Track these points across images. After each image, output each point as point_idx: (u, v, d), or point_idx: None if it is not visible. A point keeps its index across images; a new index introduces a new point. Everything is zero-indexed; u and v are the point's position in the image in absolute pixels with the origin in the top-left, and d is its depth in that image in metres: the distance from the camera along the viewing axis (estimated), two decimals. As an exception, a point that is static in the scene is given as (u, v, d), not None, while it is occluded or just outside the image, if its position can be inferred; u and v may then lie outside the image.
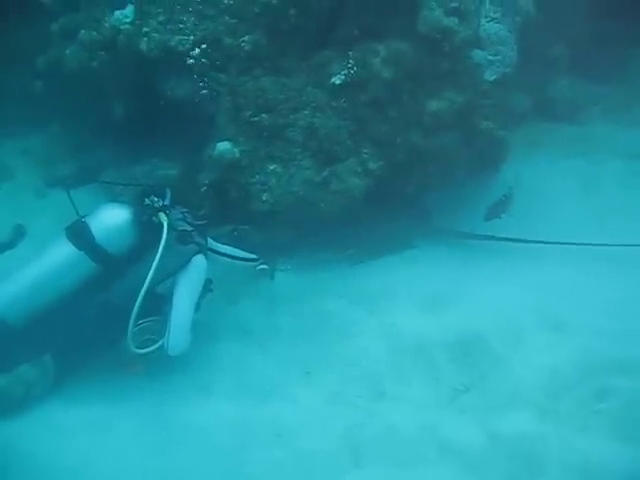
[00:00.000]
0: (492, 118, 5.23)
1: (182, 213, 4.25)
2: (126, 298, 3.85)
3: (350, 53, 4.92)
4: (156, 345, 4.00)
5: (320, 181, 5.00)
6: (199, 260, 4.16)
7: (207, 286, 4.44)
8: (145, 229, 3.93)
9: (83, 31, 5.38)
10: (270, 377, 4.34)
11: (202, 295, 4.35)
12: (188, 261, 4.09)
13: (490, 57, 5.16)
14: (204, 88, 5.06)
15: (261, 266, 4.97)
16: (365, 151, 5.04)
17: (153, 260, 3.82)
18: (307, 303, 4.95)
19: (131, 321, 3.80)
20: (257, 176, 5.01)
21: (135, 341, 3.91)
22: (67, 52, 5.46)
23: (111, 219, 3.90)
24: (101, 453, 3.76)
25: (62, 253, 3.84)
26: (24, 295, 3.80)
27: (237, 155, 4.97)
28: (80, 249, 3.82)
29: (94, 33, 5.34)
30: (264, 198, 5.00)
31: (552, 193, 6.14)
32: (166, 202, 4.08)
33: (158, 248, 3.84)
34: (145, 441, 3.83)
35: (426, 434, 3.87)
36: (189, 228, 4.17)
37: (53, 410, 3.95)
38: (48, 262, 3.85)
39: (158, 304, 4.06)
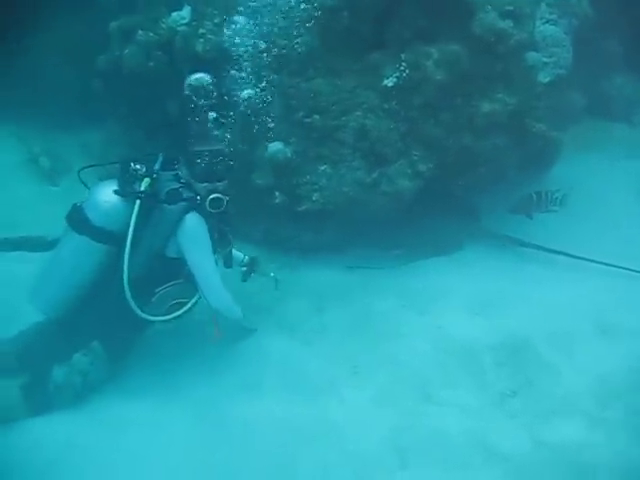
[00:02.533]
0: (545, 120, 5.19)
1: (175, 174, 4.07)
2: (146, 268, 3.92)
3: (402, 55, 4.96)
4: (186, 307, 4.03)
5: (370, 182, 5.04)
6: (191, 218, 3.92)
7: (252, 265, 4.58)
8: (133, 198, 3.86)
9: (141, 31, 5.51)
10: (318, 375, 4.37)
11: (247, 273, 4.51)
12: (181, 219, 3.91)
13: (545, 59, 5.13)
14: (257, 89, 5.12)
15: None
16: (415, 153, 5.06)
17: (155, 225, 3.85)
18: (355, 302, 5.00)
19: (125, 287, 3.77)
20: (308, 176, 5.07)
21: (161, 307, 3.96)
22: (126, 52, 5.59)
23: (100, 197, 3.87)
24: (152, 449, 3.83)
25: (70, 241, 3.90)
26: (55, 289, 3.90)
27: (289, 155, 5.05)
28: (81, 234, 3.85)
29: (151, 34, 5.46)
30: (314, 198, 5.07)
31: (605, 195, 6.06)
32: (155, 167, 3.99)
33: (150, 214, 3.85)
34: (195, 438, 3.90)
35: (472, 438, 3.87)
36: (176, 186, 3.98)
37: (107, 404, 4.06)
38: (63, 253, 3.92)
39: (175, 268, 4.01)
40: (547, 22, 5.10)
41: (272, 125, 5.10)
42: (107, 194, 3.86)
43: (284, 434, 3.93)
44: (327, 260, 5.36)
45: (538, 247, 5.37)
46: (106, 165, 4.15)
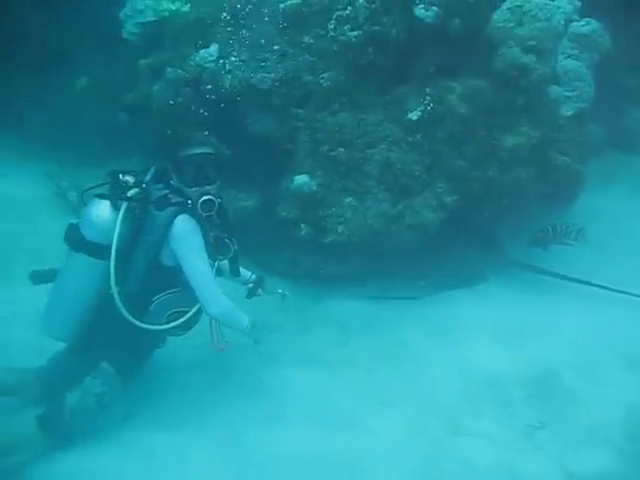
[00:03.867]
0: (569, 153, 5.24)
1: (164, 182, 3.92)
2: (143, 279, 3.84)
3: (427, 89, 5.04)
4: (187, 315, 3.88)
5: (395, 214, 5.09)
6: (181, 220, 3.77)
7: (258, 283, 4.44)
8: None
9: (170, 69, 5.61)
10: (344, 407, 4.36)
11: (253, 290, 4.41)
12: (171, 223, 3.76)
13: (567, 93, 5.19)
14: (284, 123, 5.22)
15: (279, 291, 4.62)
16: (440, 185, 5.12)
17: (148, 233, 3.76)
18: (379, 333, 5.02)
19: (115, 297, 3.68)
20: (333, 208, 5.13)
21: (159, 316, 3.85)
22: (154, 88, 5.71)
23: (92, 212, 3.80)
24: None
25: (70, 262, 3.85)
26: (62, 313, 3.87)
27: (314, 188, 5.11)
28: (78, 252, 3.79)
29: (180, 70, 5.57)
30: (340, 230, 5.11)
31: (627, 228, 6.06)
32: (146, 178, 3.89)
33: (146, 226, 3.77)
34: (223, 470, 3.88)
35: (502, 470, 3.87)
36: (165, 192, 3.85)
37: (134, 435, 4.04)
38: (64, 275, 3.88)
39: (173, 276, 3.87)
40: (569, 57, 5.17)
41: (298, 158, 5.18)
42: (100, 209, 3.78)
43: (311, 467, 3.91)
44: (351, 291, 5.38)
45: (562, 277, 5.39)
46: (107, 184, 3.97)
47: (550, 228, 5.39)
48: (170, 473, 3.85)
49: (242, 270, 4.38)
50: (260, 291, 4.46)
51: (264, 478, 3.83)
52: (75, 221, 3.90)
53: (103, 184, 3.94)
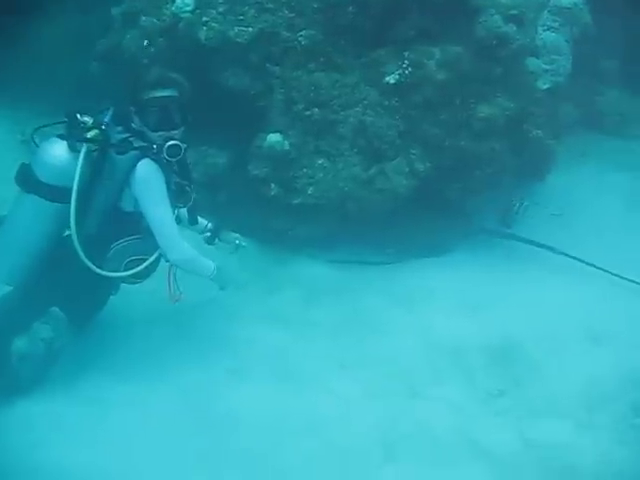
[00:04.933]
0: (543, 127, 5.24)
1: (124, 125, 3.77)
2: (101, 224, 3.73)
3: (406, 54, 4.98)
4: (145, 263, 3.81)
5: (366, 178, 5.05)
6: (144, 165, 3.66)
7: (216, 231, 4.39)
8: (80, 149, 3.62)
9: (144, 17, 5.46)
10: (305, 367, 4.38)
11: (211, 239, 4.35)
12: (134, 166, 3.65)
13: (545, 66, 5.19)
14: (258, 79, 5.12)
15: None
16: (413, 152, 5.08)
17: (107, 177, 3.64)
18: (345, 297, 5.00)
19: (75, 243, 3.57)
20: (305, 169, 5.07)
21: (118, 263, 3.76)
22: (127, 37, 5.55)
23: (47, 153, 3.64)
24: (136, 431, 3.79)
25: (20, 203, 3.70)
26: (10, 255, 3.72)
27: (287, 147, 5.04)
28: (29, 192, 3.64)
29: (154, 20, 5.42)
30: (310, 191, 5.06)
31: (596, 206, 6.13)
32: (106, 119, 3.71)
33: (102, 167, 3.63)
34: (181, 421, 3.86)
35: (458, 435, 3.91)
36: (126, 135, 3.72)
37: (92, 384, 3.99)
38: (14, 216, 3.73)
39: (132, 223, 3.80)
40: (549, 29, 5.16)
41: (271, 116, 5.10)
42: (54, 149, 3.62)
43: (269, 423, 3.92)
44: (319, 254, 5.34)
45: (527, 241, 5.47)
46: (61, 124, 3.76)
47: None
48: (125, 423, 3.80)
49: (199, 219, 4.29)
50: (217, 240, 4.39)
51: (221, 432, 3.82)
52: (27, 161, 3.73)
53: (57, 123, 3.77)
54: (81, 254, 3.61)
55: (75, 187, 3.54)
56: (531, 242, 5.46)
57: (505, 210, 5.52)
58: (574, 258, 5.29)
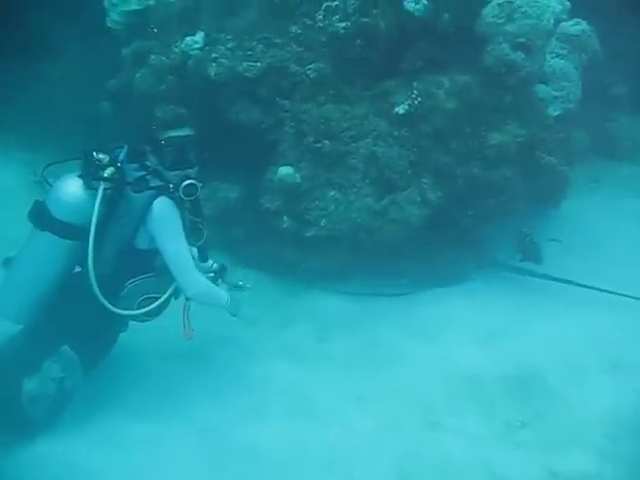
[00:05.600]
0: (555, 153, 5.21)
1: (142, 164, 3.82)
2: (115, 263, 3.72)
3: (414, 84, 5.00)
4: (159, 301, 3.82)
5: (379, 209, 5.03)
6: (161, 203, 3.69)
7: (220, 272, 4.31)
8: (96, 187, 3.62)
9: (153, 56, 5.53)
10: (321, 401, 4.30)
11: (214, 280, 4.23)
12: (150, 204, 3.68)
13: (555, 92, 5.18)
14: (269, 113, 5.14)
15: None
16: (425, 181, 5.07)
17: (123, 215, 3.65)
18: (359, 329, 4.95)
19: (92, 280, 3.55)
20: (317, 201, 5.06)
21: (131, 301, 3.76)
22: (137, 75, 5.61)
23: (61, 190, 3.65)
24: (153, 471, 3.72)
25: (33, 240, 3.70)
26: (20, 293, 3.71)
27: (298, 180, 5.04)
28: (43, 230, 3.64)
29: (164, 58, 5.49)
30: (322, 223, 5.05)
31: (609, 232, 6.07)
32: (120, 157, 3.77)
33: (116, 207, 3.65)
34: (199, 459, 3.79)
35: (480, 468, 3.81)
36: (142, 174, 3.76)
37: (107, 423, 3.93)
38: (26, 253, 3.72)
39: (146, 261, 3.81)
40: (557, 56, 5.17)
41: (282, 149, 5.10)
42: (70, 187, 3.63)
43: (288, 459, 3.85)
44: (332, 286, 5.30)
45: (546, 277, 5.35)
46: (72, 160, 3.81)
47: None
48: (142, 462, 3.73)
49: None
50: (220, 281, 4.33)
51: (239, 469, 3.74)
52: (41, 199, 3.74)
53: (68, 160, 3.81)
54: (97, 292, 3.60)
55: (93, 224, 3.55)
56: (544, 276, 5.38)
57: (517, 243, 5.41)
58: (590, 288, 5.19)
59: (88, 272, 3.56)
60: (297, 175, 5.05)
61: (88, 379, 3.88)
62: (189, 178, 3.79)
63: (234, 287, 4.37)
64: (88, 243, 3.56)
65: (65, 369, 3.75)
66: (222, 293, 4.09)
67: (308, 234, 5.09)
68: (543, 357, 4.57)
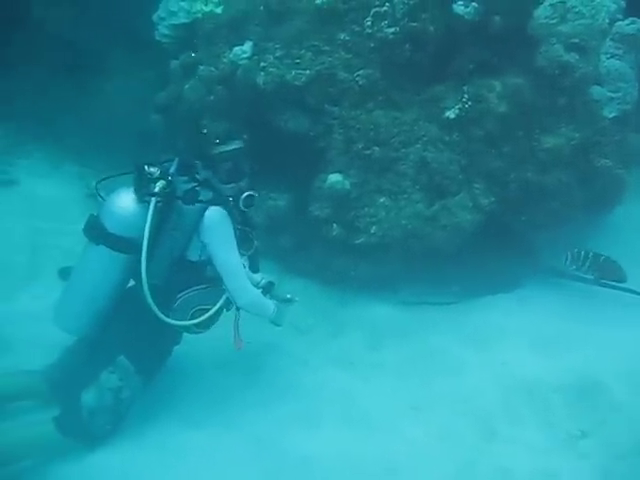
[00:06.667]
0: (611, 156, 5.07)
1: (192, 177, 3.87)
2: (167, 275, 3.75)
3: (465, 87, 4.92)
4: (211, 312, 3.83)
5: (430, 215, 4.96)
6: (213, 212, 3.76)
7: (268, 288, 4.31)
8: (149, 201, 3.68)
9: (202, 67, 5.56)
10: (375, 411, 4.25)
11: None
12: (202, 216, 3.74)
13: (610, 94, 5.04)
14: (317, 121, 5.12)
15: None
16: (477, 186, 4.98)
17: (174, 228, 3.70)
18: (411, 338, 4.89)
19: (146, 292, 3.60)
20: (367, 208, 5.02)
21: (184, 313, 3.79)
22: (186, 87, 5.66)
23: (115, 204, 3.72)
24: (208, 477, 3.73)
25: (88, 254, 3.76)
26: (77, 306, 3.78)
27: (347, 187, 5.00)
28: (99, 244, 3.70)
29: (212, 68, 5.52)
30: (373, 230, 4.99)
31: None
32: (171, 170, 3.82)
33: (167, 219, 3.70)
34: (251, 469, 3.78)
35: (541, 478, 3.69)
36: (192, 186, 3.80)
37: (161, 432, 3.96)
38: (82, 267, 3.79)
39: (198, 273, 3.85)
40: (612, 57, 5.03)
41: (331, 157, 5.08)
42: (122, 200, 3.71)
43: (343, 469, 3.81)
44: (382, 295, 5.23)
45: (602, 284, 5.21)
46: (124, 175, 3.87)
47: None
48: (198, 472, 3.74)
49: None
50: (268, 297, 4.30)
51: (294, 478, 3.72)
52: (95, 212, 3.81)
53: (120, 174, 3.88)
54: (152, 304, 3.64)
55: (146, 237, 3.60)
56: (601, 284, 5.24)
57: (571, 253, 5.25)
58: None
59: (141, 284, 3.61)
60: (347, 182, 5.01)
61: (145, 390, 3.90)
62: (244, 189, 3.87)
63: (282, 301, 4.34)
64: (141, 256, 3.61)
65: (122, 379, 3.78)
66: (270, 303, 4.13)
67: (358, 241, 5.04)
68: (603, 365, 4.44)
